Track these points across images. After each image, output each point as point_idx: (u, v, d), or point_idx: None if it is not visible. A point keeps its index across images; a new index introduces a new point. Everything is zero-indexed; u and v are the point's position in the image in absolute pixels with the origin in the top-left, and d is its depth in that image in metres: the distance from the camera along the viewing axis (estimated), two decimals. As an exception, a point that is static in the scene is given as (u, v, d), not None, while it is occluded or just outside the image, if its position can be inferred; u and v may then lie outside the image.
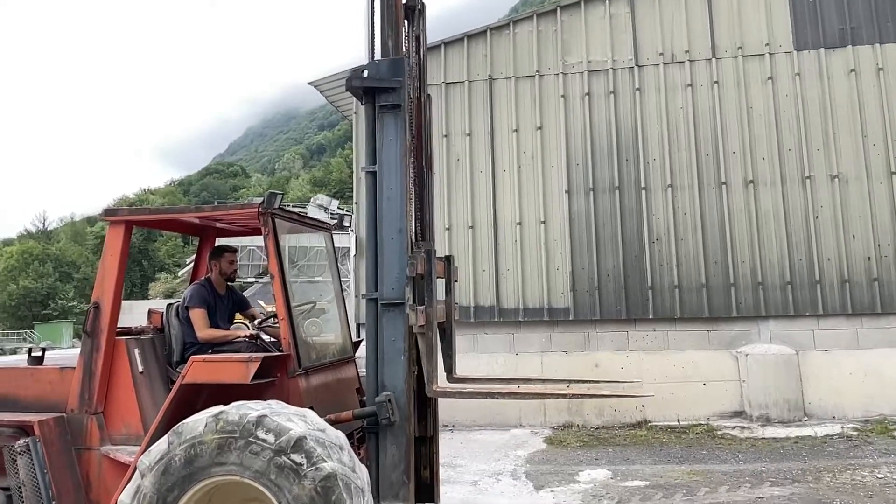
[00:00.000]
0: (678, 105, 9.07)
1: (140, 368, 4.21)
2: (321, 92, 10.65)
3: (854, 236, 8.56)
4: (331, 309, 4.66)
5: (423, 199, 4.49)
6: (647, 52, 9.22)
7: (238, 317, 4.81)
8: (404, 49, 4.24)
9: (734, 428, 8.35)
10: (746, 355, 8.60)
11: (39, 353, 4.43)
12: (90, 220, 68.58)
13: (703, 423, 8.59)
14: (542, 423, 9.02)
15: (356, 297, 9.58)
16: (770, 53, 8.93)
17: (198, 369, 3.64)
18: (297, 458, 3.16)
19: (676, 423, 8.68)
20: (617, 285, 8.94)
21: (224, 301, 4.65)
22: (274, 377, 3.83)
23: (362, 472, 3.42)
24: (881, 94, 8.65)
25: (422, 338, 3.81)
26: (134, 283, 53.67)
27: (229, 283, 4.72)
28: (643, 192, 9.00)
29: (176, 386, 3.67)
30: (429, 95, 4.70)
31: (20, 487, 3.87)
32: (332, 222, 5.42)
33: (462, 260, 9.27)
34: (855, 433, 7.74)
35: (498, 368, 9.14)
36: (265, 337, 4.34)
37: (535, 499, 5.83)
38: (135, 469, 3.60)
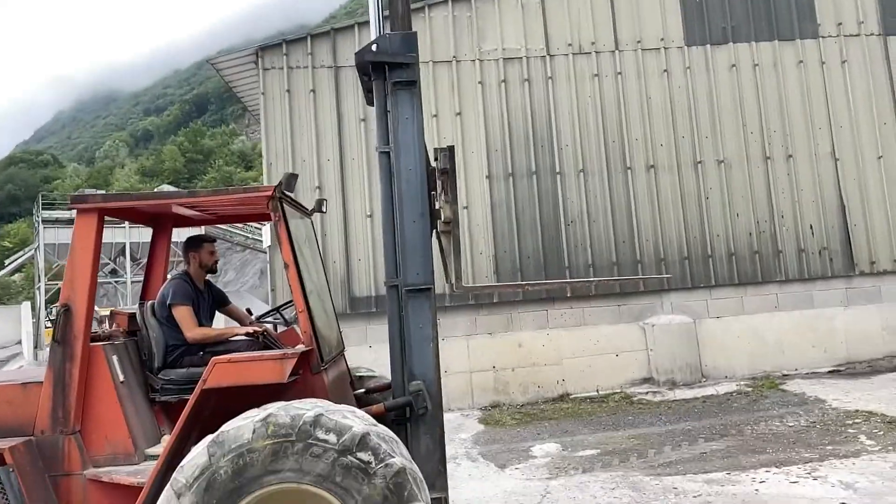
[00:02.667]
0: (587, 94, 9.58)
1: (121, 378, 3.69)
2: (219, 72, 9.86)
3: (738, 214, 9.61)
4: (325, 300, 4.37)
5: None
6: (557, 42, 9.61)
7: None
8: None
9: (647, 393, 9.07)
10: (653, 326, 9.36)
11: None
12: None
13: (618, 391, 9.23)
14: (469, 405, 9.17)
15: (271, 290, 9.06)
16: (665, 48, 9.71)
17: (222, 371, 3.25)
18: (363, 456, 2.96)
19: (595, 393, 9.24)
20: (537, 267, 9.29)
21: (205, 296, 4.21)
22: (297, 374, 3.54)
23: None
24: (757, 87, 9.77)
25: (446, 235, 3.75)
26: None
27: (209, 277, 4.26)
28: (558, 176, 9.42)
29: (197, 391, 3.26)
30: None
31: (-12, 528, 3.25)
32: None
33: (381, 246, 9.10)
34: (749, 389, 8.75)
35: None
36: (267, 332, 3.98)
37: (506, 477, 5.94)
38: (151, 491, 3.19)
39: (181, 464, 2.97)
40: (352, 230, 9.12)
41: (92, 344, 3.62)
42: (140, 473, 3.41)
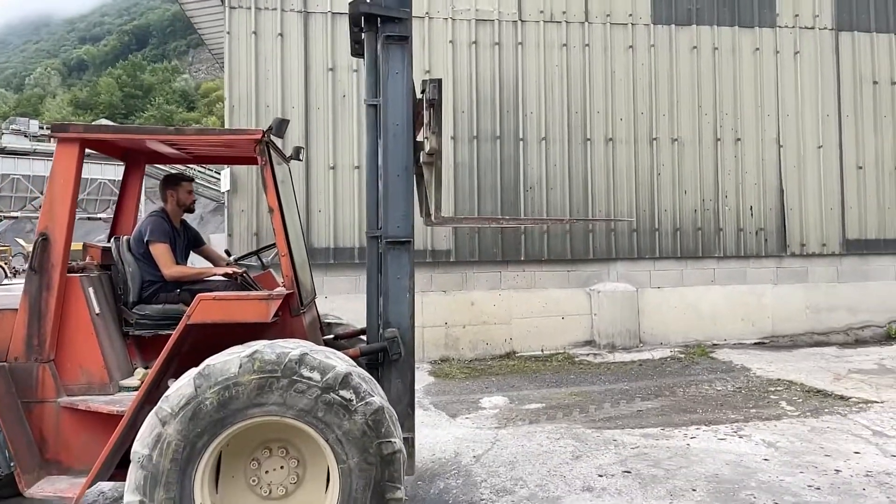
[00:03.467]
0: (554, 63, 9.73)
1: (96, 310, 3.72)
2: (181, 5, 9.48)
3: (686, 192, 10.08)
4: (301, 246, 4.45)
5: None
6: (529, 8, 9.67)
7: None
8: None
9: (588, 355, 9.56)
10: (598, 292, 9.80)
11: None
12: None
13: (562, 351, 9.68)
14: (420, 358, 9.41)
15: (228, 235, 8.98)
16: (632, 24, 9.92)
17: (207, 308, 3.34)
18: (345, 394, 3.13)
19: (540, 352, 9.67)
20: (494, 229, 9.52)
21: (181, 235, 4.23)
22: (276, 316, 3.65)
23: (389, 404, 3.49)
24: (714, 71, 10.14)
25: (428, 166, 3.91)
26: None
27: (185, 216, 4.27)
28: (521, 143, 9.60)
29: (181, 326, 3.34)
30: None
31: (-39, 450, 3.27)
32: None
33: (347, 200, 9.15)
34: (682, 356, 9.35)
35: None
36: (238, 273, 4.05)
37: (457, 425, 6.24)
38: (130, 420, 3.29)
39: (166, 394, 3.08)
40: (313, 181, 9.09)
41: (68, 275, 3.62)
42: (117, 403, 3.49)
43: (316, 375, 3.11)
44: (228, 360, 3.10)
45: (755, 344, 10.06)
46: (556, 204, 9.72)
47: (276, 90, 9.05)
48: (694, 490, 4.41)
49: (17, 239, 40.91)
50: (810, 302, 10.37)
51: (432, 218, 3.99)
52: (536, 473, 4.85)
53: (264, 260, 4.27)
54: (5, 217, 39.65)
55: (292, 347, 3.18)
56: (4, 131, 38.68)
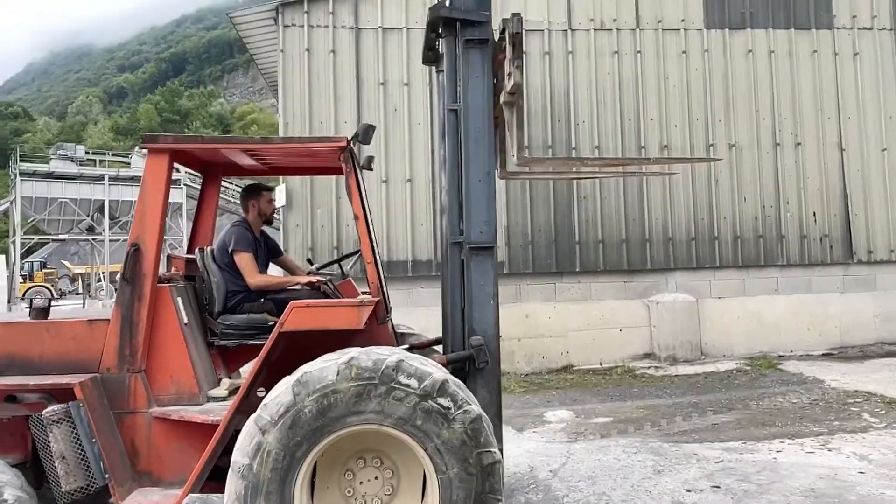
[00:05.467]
0: (605, 71, 9.62)
1: (185, 320, 3.72)
2: (235, 26, 9.69)
3: (745, 199, 9.81)
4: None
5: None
6: (579, 16, 9.61)
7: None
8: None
9: (648, 368, 9.31)
10: (657, 303, 9.57)
11: (44, 304, 3.71)
12: None
13: (620, 364, 9.45)
14: (475, 372, 9.29)
15: (284, 250, 9.02)
16: (685, 29, 9.78)
17: (300, 315, 3.30)
18: (443, 402, 3.04)
19: (598, 366, 9.46)
20: (548, 240, 9.40)
21: (262, 245, 4.23)
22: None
23: (482, 414, 3.39)
24: (771, 74, 9.91)
25: (509, 107, 3.80)
26: None
27: (264, 227, 4.28)
28: (573, 152, 9.49)
29: (274, 334, 3.30)
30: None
31: (59, 460, 3.28)
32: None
33: (399, 215, 9.15)
34: (748, 368, 9.03)
35: (432, 321, 9.22)
36: (316, 283, 4.01)
37: (526, 439, 6.10)
38: (227, 429, 3.25)
39: (264, 402, 3.03)
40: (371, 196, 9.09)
41: (158, 285, 3.63)
42: (209, 413, 3.46)
43: (413, 382, 3.04)
44: (325, 368, 3.04)
45: (823, 355, 9.67)
46: (609, 213, 9.56)
47: (329, 105, 9.13)
48: (792, 505, 4.19)
49: (63, 262, 42.18)
50: (880, 310, 9.95)
51: (515, 159, 3.85)
52: (619, 488, 4.68)
53: (345, 269, 4.24)
54: (53, 240, 40.92)
55: (388, 354, 3.12)
56: (52, 157, 40.00)
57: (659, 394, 7.89)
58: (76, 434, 3.30)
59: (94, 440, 3.29)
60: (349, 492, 3.26)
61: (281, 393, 3.02)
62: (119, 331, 3.53)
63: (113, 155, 47.01)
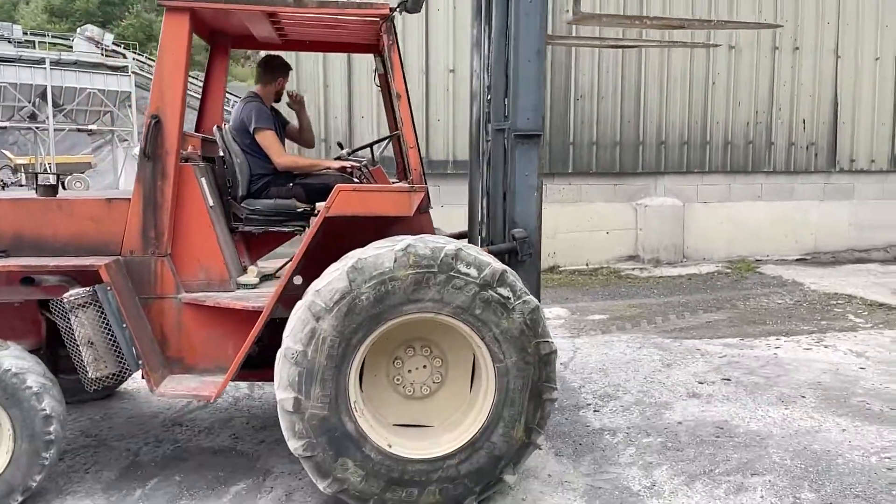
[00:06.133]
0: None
1: (210, 202, 3.46)
2: None
3: (739, 103, 9.71)
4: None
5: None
6: None
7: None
8: None
9: (633, 269, 9.46)
10: (645, 207, 9.61)
11: (52, 181, 3.38)
12: None
13: (605, 266, 9.58)
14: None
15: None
16: (695, -82, 9.22)
17: (347, 200, 3.08)
18: (503, 291, 2.95)
19: (584, 266, 9.56)
20: (542, 140, 9.15)
21: (277, 122, 3.92)
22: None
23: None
24: (778, -26, 9.55)
25: None
26: None
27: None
28: (573, 49, 9.09)
29: (319, 219, 3.08)
30: None
31: (86, 346, 3.09)
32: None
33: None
34: (728, 271, 9.28)
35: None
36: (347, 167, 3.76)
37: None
38: (270, 315, 3.10)
39: (316, 288, 2.87)
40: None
41: (182, 163, 3.33)
42: (246, 299, 3.28)
43: (473, 272, 2.91)
44: (381, 254, 2.88)
45: (797, 260, 10.00)
46: (605, 114, 9.34)
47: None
48: (804, 397, 4.37)
49: (2, 150, 39.66)
50: (854, 219, 10.25)
51: (569, 14, 3.66)
52: (633, 380, 4.80)
53: (376, 155, 3.97)
54: (-8, 128, 38.29)
55: (444, 243, 2.97)
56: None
57: (647, 294, 8.05)
58: (104, 319, 3.09)
59: (124, 325, 3.10)
60: (397, 380, 3.21)
61: (334, 279, 2.85)
62: (142, 211, 3.26)
63: (53, 37, 43.41)
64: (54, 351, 3.54)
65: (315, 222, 3.10)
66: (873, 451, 3.49)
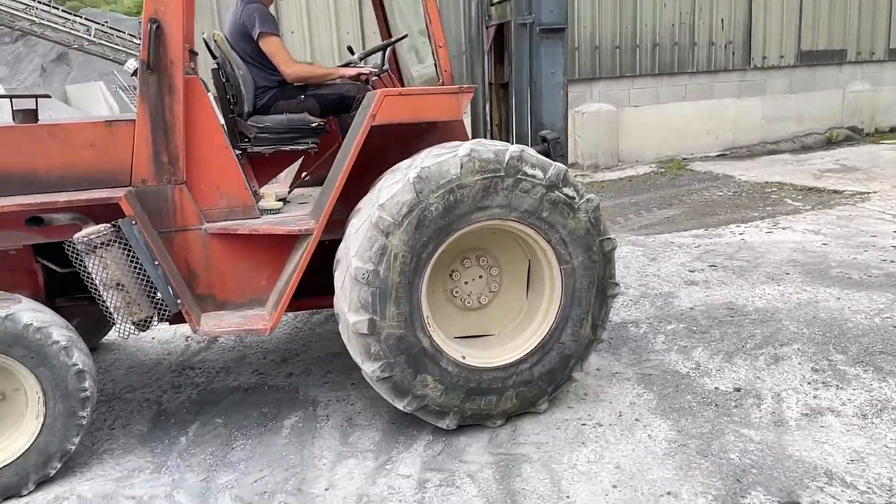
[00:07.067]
0: None
1: (220, 120, 3.09)
2: None
3: (665, 5, 9.85)
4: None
5: None
6: None
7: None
8: None
9: (575, 175, 9.63)
10: (582, 114, 9.71)
11: (31, 105, 2.87)
12: None
13: (547, 175, 9.70)
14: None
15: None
16: None
17: (393, 105, 2.83)
18: (568, 191, 2.89)
19: (528, 177, 9.63)
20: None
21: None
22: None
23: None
24: None
25: None
26: None
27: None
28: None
29: (366, 127, 2.82)
30: None
31: (115, 290, 2.74)
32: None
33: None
34: (662, 170, 9.68)
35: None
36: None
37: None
38: (303, 238, 2.89)
39: (379, 202, 2.67)
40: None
41: (187, 76, 2.92)
42: (286, 224, 3.02)
43: (538, 173, 2.82)
44: (444, 162, 2.71)
45: (718, 155, 10.58)
46: (541, 18, 9.17)
47: None
48: (788, 274, 4.71)
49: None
50: (766, 113, 10.91)
51: None
52: (628, 276, 4.96)
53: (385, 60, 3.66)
54: None
55: (504, 146, 2.83)
56: None
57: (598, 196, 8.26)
58: (132, 257, 2.74)
59: (156, 262, 2.77)
60: (455, 293, 3.11)
61: (399, 191, 2.67)
62: (150, 133, 2.86)
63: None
64: (53, 304, 3.13)
65: (361, 131, 2.83)
66: (874, 313, 3.84)
